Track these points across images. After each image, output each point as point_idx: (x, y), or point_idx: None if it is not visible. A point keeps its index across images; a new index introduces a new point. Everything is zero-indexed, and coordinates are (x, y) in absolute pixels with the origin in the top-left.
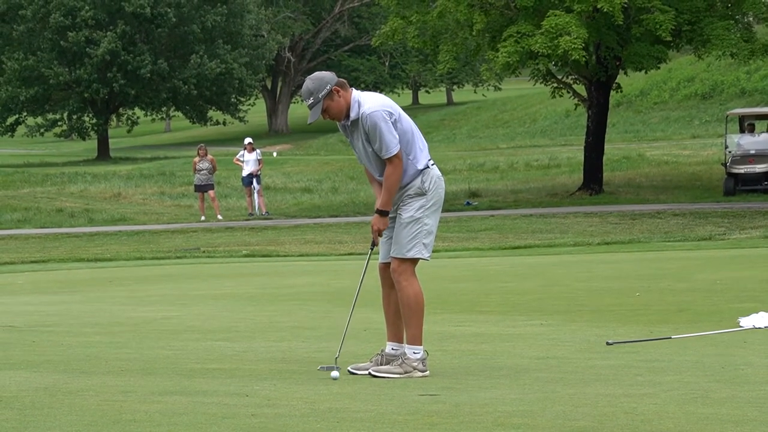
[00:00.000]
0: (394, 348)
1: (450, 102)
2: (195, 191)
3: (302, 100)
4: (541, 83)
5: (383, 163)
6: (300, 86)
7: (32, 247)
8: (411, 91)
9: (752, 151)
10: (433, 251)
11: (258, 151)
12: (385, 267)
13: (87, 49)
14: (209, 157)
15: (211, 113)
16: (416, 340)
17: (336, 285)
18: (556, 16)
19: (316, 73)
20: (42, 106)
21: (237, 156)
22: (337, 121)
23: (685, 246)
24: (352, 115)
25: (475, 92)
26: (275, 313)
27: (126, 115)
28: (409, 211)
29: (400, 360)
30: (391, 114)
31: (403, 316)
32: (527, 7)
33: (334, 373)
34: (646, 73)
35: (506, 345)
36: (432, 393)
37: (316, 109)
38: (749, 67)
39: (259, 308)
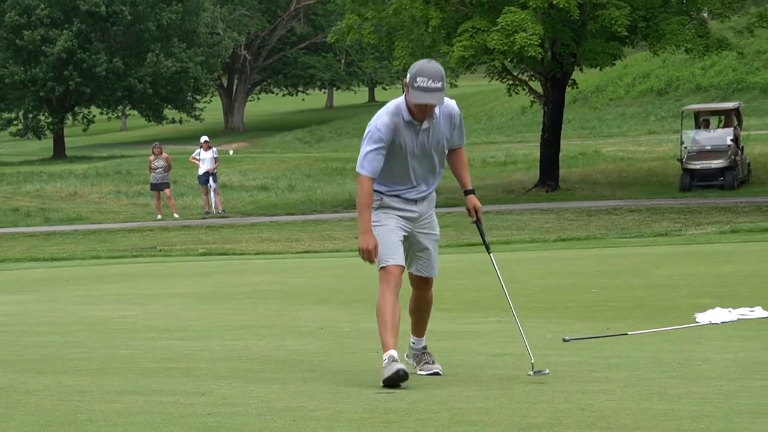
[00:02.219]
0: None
1: None
2: (151, 190)
3: (428, 81)
4: (496, 80)
5: (442, 159)
6: (256, 84)
7: None
8: (367, 89)
9: (708, 147)
10: None
11: (214, 149)
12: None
13: (42, 47)
14: (164, 155)
15: (166, 112)
16: None
17: (292, 283)
18: (511, 12)
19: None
20: None
21: (193, 154)
22: (424, 119)
23: (641, 242)
24: (437, 112)
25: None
26: (232, 312)
27: (82, 114)
28: (437, 228)
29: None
30: None
31: (424, 319)
32: (483, 3)
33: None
34: (601, 69)
35: (463, 342)
36: (388, 390)
37: (442, 96)
38: (704, 62)
39: (216, 307)
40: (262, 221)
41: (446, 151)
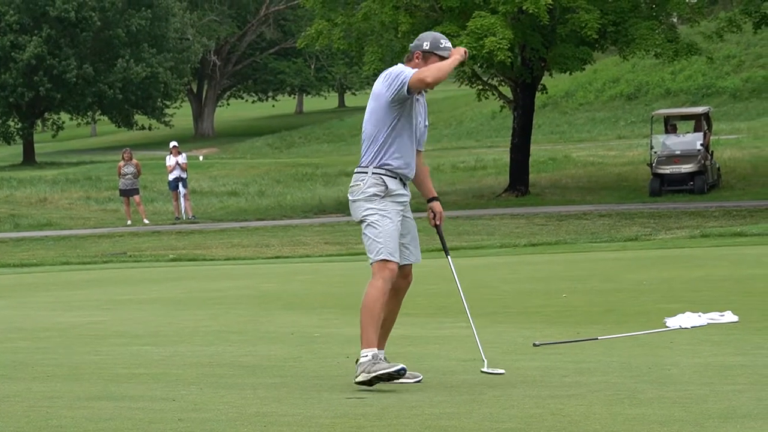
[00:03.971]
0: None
1: None
2: (120, 196)
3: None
4: (466, 85)
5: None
6: (225, 89)
7: None
8: (337, 94)
9: (677, 152)
10: (358, 254)
11: (183, 154)
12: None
13: (12, 53)
14: (134, 161)
15: (136, 117)
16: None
17: (263, 289)
18: (481, 17)
19: None
20: None
21: (168, 162)
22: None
23: (611, 247)
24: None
25: None
26: (202, 318)
27: (51, 120)
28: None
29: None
30: None
31: (391, 322)
32: (452, 8)
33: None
34: (571, 74)
35: (433, 347)
36: (359, 396)
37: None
38: (674, 67)
39: (186, 312)
40: (232, 227)
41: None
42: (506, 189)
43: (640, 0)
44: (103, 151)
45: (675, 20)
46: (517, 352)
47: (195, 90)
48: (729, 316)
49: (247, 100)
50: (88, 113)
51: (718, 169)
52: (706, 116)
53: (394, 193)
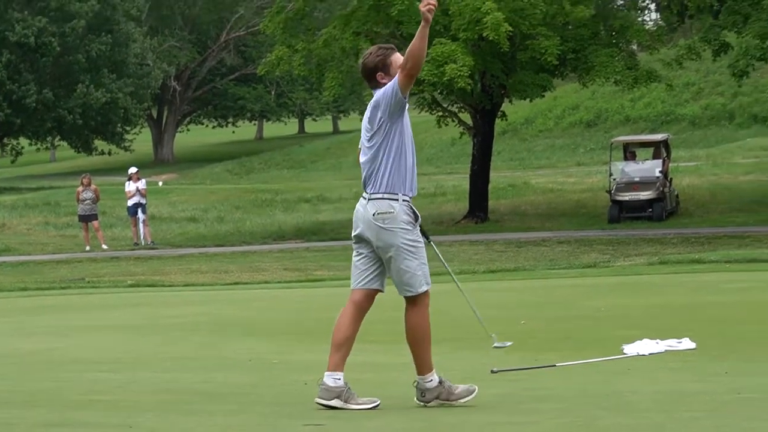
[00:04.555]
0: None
1: (336, 130)
2: (79, 221)
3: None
4: (426, 111)
5: None
6: (185, 115)
7: None
8: (297, 120)
9: (636, 179)
10: (318, 280)
11: (143, 180)
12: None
13: None
14: (93, 186)
15: (96, 143)
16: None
17: (221, 315)
18: (441, 44)
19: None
20: None
21: (126, 188)
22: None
23: (570, 273)
24: None
25: (361, 120)
26: (160, 344)
27: (11, 145)
28: None
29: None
30: None
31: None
32: (413, 35)
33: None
34: (530, 101)
35: (393, 374)
36: (318, 423)
37: None
38: (633, 94)
39: (144, 339)
40: (191, 253)
41: None
42: (465, 215)
43: (600, 27)
44: (63, 176)
45: (635, 48)
46: (475, 379)
47: (155, 115)
48: (687, 343)
49: (207, 126)
50: (48, 138)
51: (677, 196)
52: (665, 143)
53: (417, 221)
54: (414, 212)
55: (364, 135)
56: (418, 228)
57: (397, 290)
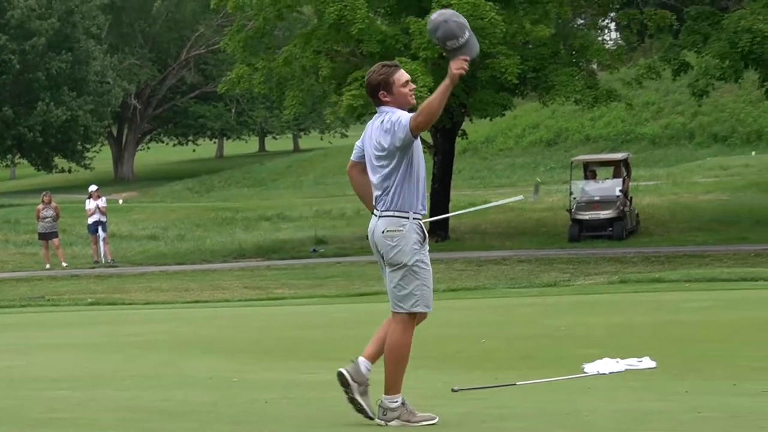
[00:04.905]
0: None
1: (297, 149)
2: (39, 239)
3: (440, 44)
4: None
5: None
6: (146, 133)
7: None
8: (258, 138)
9: (597, 198)
10: (278, 299)
11: (103, 198)
12: None
13: None
14: (53, 204)
15: (56, 160)
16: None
17: (181, 333)
18: (402, 63)
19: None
20: None
21: (86, 206)
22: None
23: (530, 292)
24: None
25: (321, 139)
26: (120, 362)
27: None
28: None
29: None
30: None
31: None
32: (373, 54)
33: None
34: (491, 119)
35: None
36: None
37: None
38: (593, 113)
39: (104, 357)
40: (152, 271)
41: None
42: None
43: (560, 47)
44: (23, 194)
45: (595, 67)
46: (436, 398)
47: (115, 133)
48: (647, 362)
49: (167, 144)
50: (8, 156)
51: (637, 215)
52: (625, 162)
53: (425, 240)
54: (423, 231)
55: (371, 153)
56: (427, 248)
57: (390, 303)
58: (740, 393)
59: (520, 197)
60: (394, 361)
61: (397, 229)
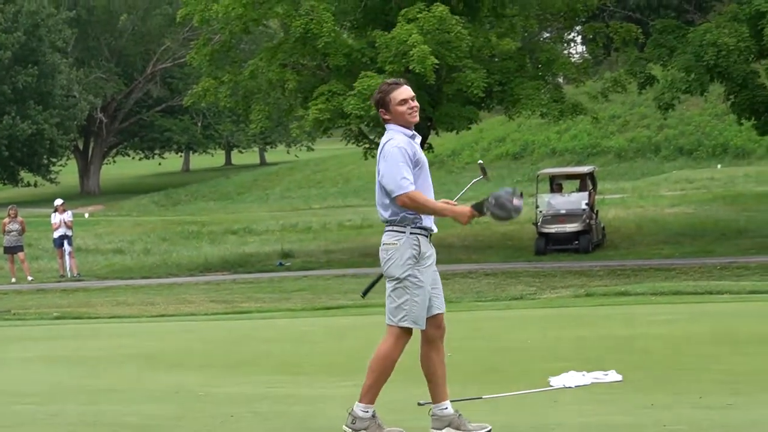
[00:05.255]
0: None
1: (263, 162)
2: (4, 253)
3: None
4: (353, 143)
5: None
6: (112, 147)
7: None
8: (224, 152)
9: (563, 211)
10: (245, 312)
11: (69, 212)
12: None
13: None
14: (19, 218)
15: (22, 174)
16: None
17: (147, 347)
18: (368, 77)
19: None
20: None
21: (52, 220)
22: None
23: (496, 306)
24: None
25: (287, 153)
26: (86, 376)
27: None
28: None
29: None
30: None
31: (442, 372)
32: (339, 67)
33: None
34: (457, 133)
35: (319, 406)
36: None
37: None
38: (559, 127)
39: (70, 371)
40: (118, 285)
41: None
42: None
43: (526, 60)
44: None
45: (560, 80)
46: (403, 412)
47: (81, 147)
48: (613, 375)
49: (133, 158)
50: None
51: (603, 228)
52: (591, 176)
53: (426, 255)
54: (420, 247)
55: (378, 171)
56: (428, 264)
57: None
58: (706, 406)
59: (479, 178)
60: (377, 371)
61: (392, 242)
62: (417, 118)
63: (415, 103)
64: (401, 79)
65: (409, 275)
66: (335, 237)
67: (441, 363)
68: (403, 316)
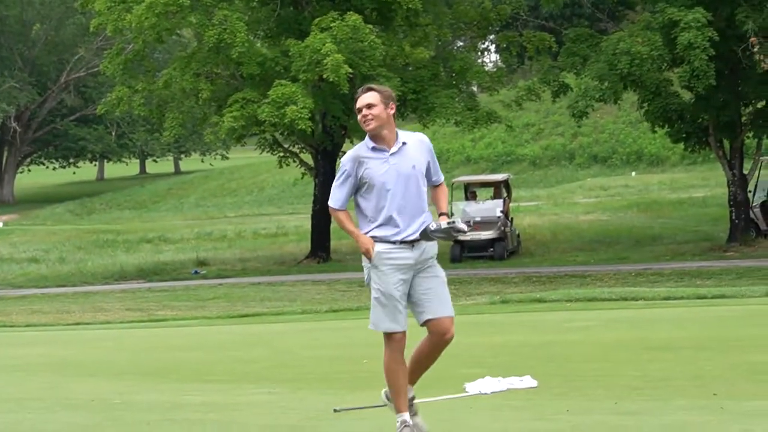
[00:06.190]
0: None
1: (177, 171)
2: None
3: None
4: (267, 152)
5: (421, 188)
6: (26, 156)
7: None
8: (138, 160)
9: (477, 218)
10: (160, 320)
11: None
12: (403, 336)
13: None
14: None
15: None
16: None
17: (63, 355)
18: (282, 85)
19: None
20: None
21: None
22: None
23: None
24: (405, 138)
25: (202, 161)
26: (2, 385)
27: None
28: (441, 271)
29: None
30: None
31: (428, 366)
32: (253, 76)
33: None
34: None
35: (235, 414)
36: None
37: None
38: (474, 135)
39: None
40: (33, 293)
41: (425, 180)
42: (308, 255)
43: (439, 69)
44: None
45: (475, 89)
46: (318, 418)
47: None
48: (528, 381)
49: (48, 167)
50: None
51: (518, 235)
52: (505, 183)
53: (388, 258)
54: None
55: None
56: (386, 268)
57: None
58: (621, 412)
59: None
60: (387, 381)
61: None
62: (371, 126)
63: (369, 111)
64: (368, 86)
65: (369, 278)
66: (250, 245)
67: (425, 364)
68: (372, 322)
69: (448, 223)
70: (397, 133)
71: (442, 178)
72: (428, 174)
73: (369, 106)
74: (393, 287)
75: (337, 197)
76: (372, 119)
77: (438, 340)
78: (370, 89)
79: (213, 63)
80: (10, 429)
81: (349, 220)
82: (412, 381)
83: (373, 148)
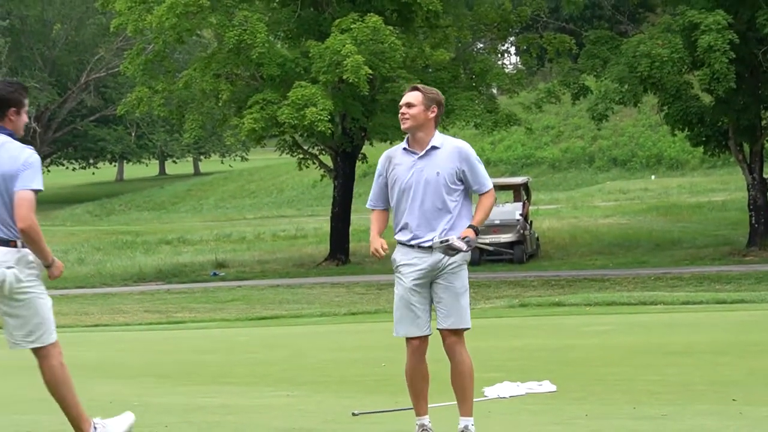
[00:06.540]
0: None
1: (197, 172)
2: None
3: None
4: (287, 153)
5: (444, 197)
6: (46, 156)
7: None
8: (158, 161)
9: (497, 222)
10: (179, 322)
11: None
12: (422, 341)
13: None
14: None
15: None
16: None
17: (82, 357)
18: (302, 87)
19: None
20: None
21: None
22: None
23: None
24: (439, 142)
25: (222, 162)
26: (20, 386)
27: None
28: (463, 279)
29: None
30: None
31: (463, 389)
32: (273, 77)
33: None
34: (391, 143)
35: (253, 416)
36: None
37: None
38: (493, 137)
39: (4, 381)
40: (51, 294)
41: (454, 189)
42: (327, 258)
43: (460, 71)
44: None
45: (495, 91)
46: (337, 422)
47: None
48: (547, 386)
49: (67, 167)
50: None
51: (537, 239)
52: (525, 186)
53: (406, 262)
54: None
55: None
56: (403, 270)
57: None
58: (639, 417)
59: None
60: (408, 386)
61: None
62: (406, 126)
63: (408, 111)
64: (414, 85)
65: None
66: (269, 247)
67: (458, 372)
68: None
69: (441, 242)
70: (434, 137)
71: (486, 187)
72: (467, 183)
73: (408, 105)
74: (409, 292)
75: (370, 195)
76: (408, 119)
77: (447, 347)
78: (415, 89)
79: (233, 64)
80: (27, 430)
81: (374, 221)
82: (463, 410)
83: (405, 149)
